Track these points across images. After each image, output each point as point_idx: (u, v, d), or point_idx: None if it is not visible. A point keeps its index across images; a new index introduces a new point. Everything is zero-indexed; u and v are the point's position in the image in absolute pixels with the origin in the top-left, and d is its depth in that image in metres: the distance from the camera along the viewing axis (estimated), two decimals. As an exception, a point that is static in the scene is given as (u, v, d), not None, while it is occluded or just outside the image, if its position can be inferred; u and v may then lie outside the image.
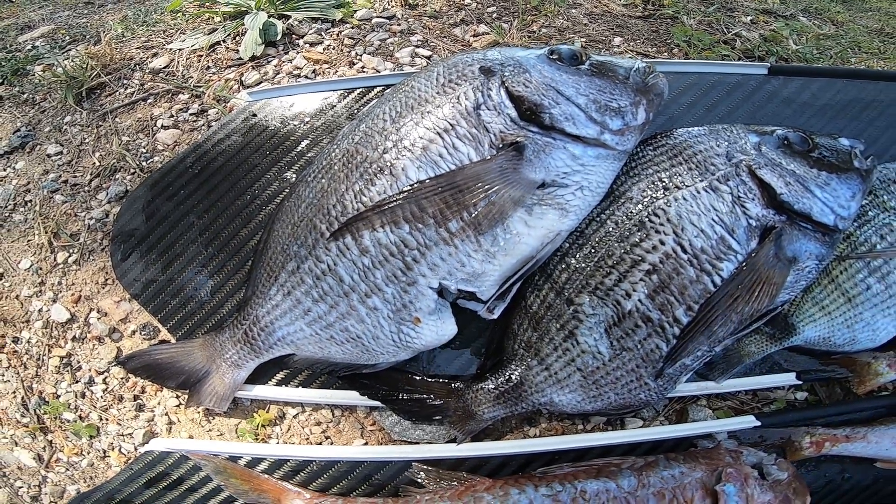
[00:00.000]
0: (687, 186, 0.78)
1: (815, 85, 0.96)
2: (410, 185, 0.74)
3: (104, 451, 0.87)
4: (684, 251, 0.75)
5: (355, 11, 1.25)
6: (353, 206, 0.76)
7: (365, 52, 1.16)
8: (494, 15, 1.35)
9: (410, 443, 0.85)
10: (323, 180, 0.81)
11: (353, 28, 1.22)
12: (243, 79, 1.09)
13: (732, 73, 0.97)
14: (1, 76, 1.18)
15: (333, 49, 1.16)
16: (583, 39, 1.30)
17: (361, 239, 0.75)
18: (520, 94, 0.75)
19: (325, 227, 0.78)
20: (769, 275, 0.75)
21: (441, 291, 0.78)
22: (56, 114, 1.08)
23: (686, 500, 0.75)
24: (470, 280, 0.77)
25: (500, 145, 0.74)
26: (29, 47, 1.25)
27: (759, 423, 0.86)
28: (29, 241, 0.96)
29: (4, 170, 1.06)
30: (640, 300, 0.76)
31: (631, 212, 0.79)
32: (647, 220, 0.78)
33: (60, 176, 1.00)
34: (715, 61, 1.00)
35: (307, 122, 0.98)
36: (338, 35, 1.19)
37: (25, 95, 1.12)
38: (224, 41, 1.15)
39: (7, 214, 1.01)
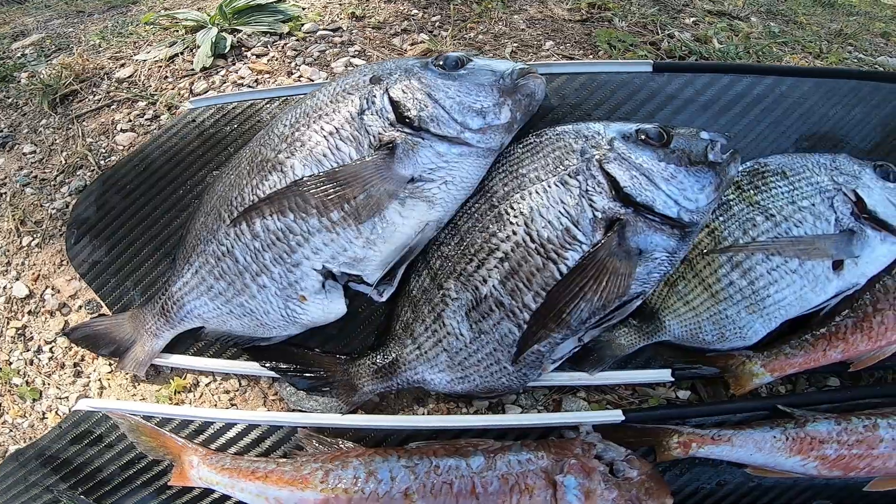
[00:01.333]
0: (541, 181, 0.88)
1: (700, 81, 1.03)
2: (296, 180, 0.88)
3: (43, 413, 1.06)
4: (532, 241, 0.85)
5: (303, 25, 1.42)
6: (249, 197, 0.92)
7: (304, 63, 1.33)
8: (437, 24, 1.48)
9: (304, 412, 0.98)
10: (232, 176, 0.98)
11: (298, 41, 1.38)
12: (193, 88, 1.28)
13: (619, 71, 1.04)
14: (-8, 82, 1.42)
15: (276, 60, 1.33)
16: (515, 45, 1.41)
17: (254, 225, 0.91)
18: (398, 100, 0.88)
19: (227, 216, 0.94)
20: (614, 265, 0.83)
21: (331, 274, 0.92)
22: (34, 117, 1.30)
23: (527, 487, 0.82)
24: (352, 264, 0.91)
25: (378, 145, 0.88)
26: (19, 55, 1.49)
27: (623, 419, 0.92)
28: (-1, 226, 1.17)
29: (-15, 165, 1.28)
30: (494, 286, 0.87)
31: (493, 204, 0.90)
32: (504, 212, 0.88)
33: (31, 172, 1.22)
34: (600, 61, 1.08)
35: (237, 128, 1.15)
36: (283, 47, 1.36)
37: (10, 100, 1.35)
38: (182, 53, 1.35)
39: (-17, 204, 1.23)
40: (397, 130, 0.87)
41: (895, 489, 0.93)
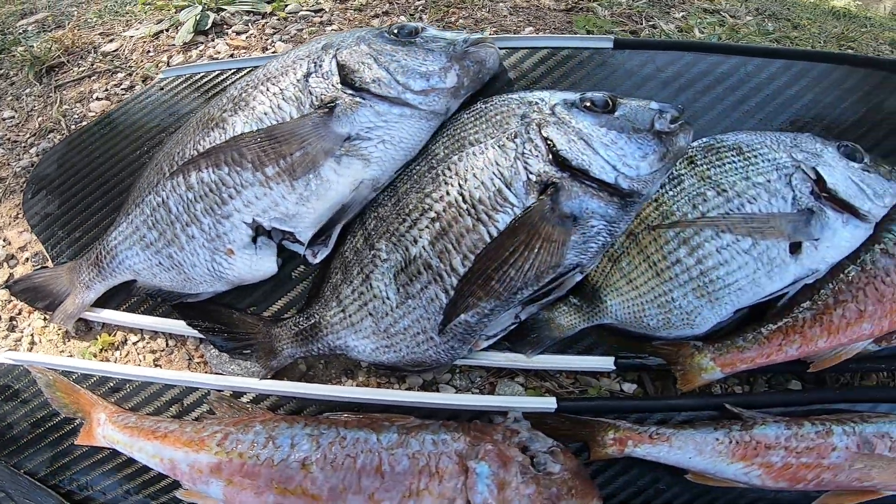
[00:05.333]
0: (479, 143, 0.88)
1: (662, 59, 1.02)
2: (235, 136, 0.91)
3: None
4: (465, 201, 0.85)
5: (287, 5, 1.49)
6: (189, 152, 0.96)
7: (280, 40, 1.39)
8: (420, 8, 1.53)
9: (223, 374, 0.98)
10: (180, 134, 1.02)
11: (279, 20, 1.45)
12: (170, 61, 1.35)
13: (580, 46, 1.05)
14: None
15: (254, 37, 1.40)
16: (494, 29, 1.44)
17: (189, 178, 0.94)
18: (344, 63, 0.92)
19: (168, 169, 0.97)
20: (547, 231, 0.81)
21: (263, 231, 0.94)
22: (20, 86, 1.40)
23: (439, 470, 0.78)
24: (284, 220, 0.93)
25: (319, 105, 0.91)
26: (21, 31, 1.60)
27: (556, 407, 0.87)
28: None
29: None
30: (424, 247, 0.86)
31: (432, 166, 0.91)
32: (441, 173, 0.89)
33: (6, 134, 1.31)
34: (558, 35, 1.08)
35: (202, 96, 1.20)
36: (263, 26, 1.43)
37: (2, 71, 1.45)
38: (167, 30, 1.43)
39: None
40: (339, 91, 0.90)
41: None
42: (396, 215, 0.91)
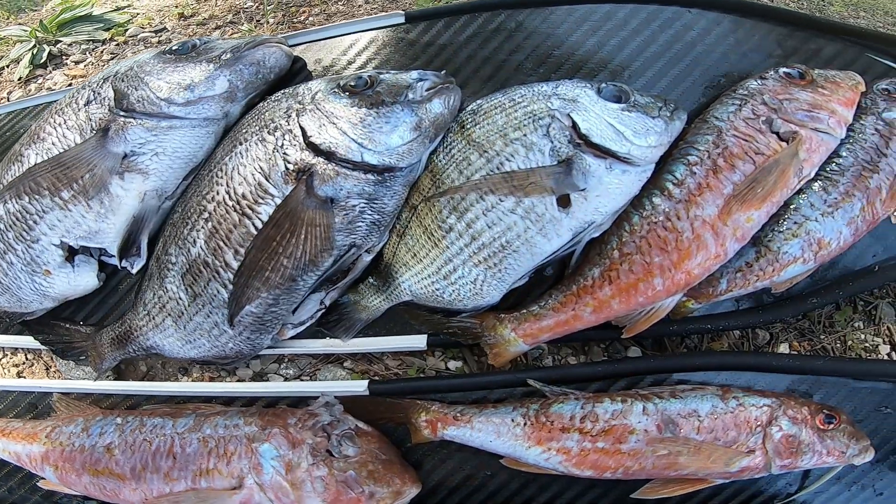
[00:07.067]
0: (246, 141, 0.95)
1: (456, 24, 1.06)
2: (29, 168, 1.01)
3: None
4: (231, 198, 0.92)
5: (127, 30, 1.58)
6: (-4, 188, 1.05)
7: (117, 64, 1.47)
8: (271, 12, 1.60)
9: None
10: (-7, 171, 1.12)
11: (118, 45, 1.54)
12: (10, 97, 1.45)
13: (375, 27, 1.09)
14: None
15: (92, 65, 1.49)
16: (343, 20, 1.50)
17: (-2, 211, 1.04)
18: (117, 88, 1.00)
19: (-17, 206, 1.07)
20: (309, 216, 0.86)
21: (77, 250, 1.03)
22: None
23: (227, 451, 0.87)
24: (90, 237, 1.03)
25: (97, 130, 0.99)
26: None
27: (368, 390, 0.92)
28: None
29: None
30: (201, 246, 0.94)
31: (210, 168, 0.98)
32: (215, 174, 0.96)
33: None
34: (351, 20, 1.11)
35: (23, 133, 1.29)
36: (101, 53, 1.52)
37: None
38: (8, 66, 1.53)
39: None
40: (114, 115, 0.99)
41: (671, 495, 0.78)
42: (182, 219, 0.98)
